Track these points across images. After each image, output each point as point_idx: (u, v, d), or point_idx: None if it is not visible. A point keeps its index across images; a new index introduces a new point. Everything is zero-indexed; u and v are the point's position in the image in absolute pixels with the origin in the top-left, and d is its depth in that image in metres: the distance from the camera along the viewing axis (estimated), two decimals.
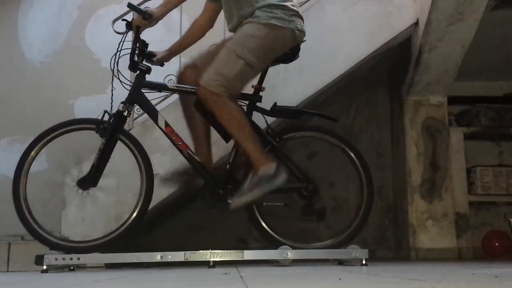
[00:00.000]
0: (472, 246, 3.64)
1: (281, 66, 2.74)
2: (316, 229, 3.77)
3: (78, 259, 2.44)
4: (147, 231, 3.82)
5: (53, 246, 2.50)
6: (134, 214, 2.54)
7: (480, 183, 3.79)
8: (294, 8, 2.49)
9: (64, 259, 2.43)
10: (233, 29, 2.56)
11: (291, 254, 2.48)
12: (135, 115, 3.10)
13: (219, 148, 2.78)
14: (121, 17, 2.96)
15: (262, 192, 2.37)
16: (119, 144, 2.59)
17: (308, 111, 2.72)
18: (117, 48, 2.55)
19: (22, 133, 3.85)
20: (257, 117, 2.61)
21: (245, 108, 2.58)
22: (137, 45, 2.55)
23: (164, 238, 3.89)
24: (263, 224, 2.61)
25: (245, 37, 2.42)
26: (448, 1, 3.03)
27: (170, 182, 2.75)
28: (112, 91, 2.55)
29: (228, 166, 2.56)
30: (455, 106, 3.96)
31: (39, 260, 2.42)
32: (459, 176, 3.70)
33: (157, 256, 2.44)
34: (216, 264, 2.43)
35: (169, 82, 2.78)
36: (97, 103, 3.71)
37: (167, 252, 2.44)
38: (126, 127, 2.69)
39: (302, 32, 2.51)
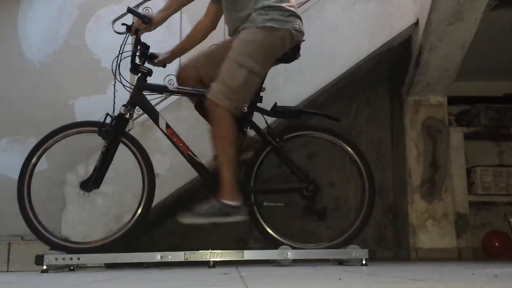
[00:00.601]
0: (472, 246, 3.64)
1: (281, 66, 2.74)
2: (317, 229, 3.77)
3: (78, 259, 2.44)
4: (147, 231, 3.82)
5: (56, 247, 2.51)
6: (136, 216, 2.54)
7: (480, 183, 3.79)
8: (291, 8, 2.48)
9: (64, 259, 2.43)
10: (232, 34, 2.56)
11: (291, 254, 2.47)
12: (135, 115, 3.10)
13: None
14: (121, 17, 2.96)
15: (215, 221, 2.38)
16: (119, 145, 2.60)
17: (308, 111, 2.72)
18: (119, 51, 2.55)
19: (22, 133, 3.85)
20: (257, 117, 2.61)
21: (245, 108, 2.58)
22: (138, 48, 2.55)
23: (164, 238, 3.89)
24: (264, 224, 2.61)
25: (244, 44, 2.42)
26: (448, 1, 3.03)
27: None
28: (114, 93, 2.55)
29: None
30: (455, 106, 3.96)
31: (39, 260, 2.42)
32: (459, 176, 3.70)
33: (157, 256, 2.44)
34: (216, 264, 2.43)
35: (169, 82, 2.79)
36: (97, 103, 3.72)
37: (167, 252, 2.44)
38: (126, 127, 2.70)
39: (300, 32, 2.51)
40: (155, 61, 2.66)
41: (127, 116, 2.58)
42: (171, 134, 2.56)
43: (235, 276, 1.84)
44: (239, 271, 2.07)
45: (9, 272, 2.86)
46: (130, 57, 2.55)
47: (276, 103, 2.62)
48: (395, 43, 3.45)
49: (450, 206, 3.60)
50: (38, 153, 2.58)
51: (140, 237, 3.74)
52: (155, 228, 3.88)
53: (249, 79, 2.40)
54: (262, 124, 2.64)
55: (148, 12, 2.69)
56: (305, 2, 3.25)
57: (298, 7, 2.59)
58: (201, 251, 2.45)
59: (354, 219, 2.67)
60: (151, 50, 2.62)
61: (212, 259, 2.42)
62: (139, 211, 2.54)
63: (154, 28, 2.55)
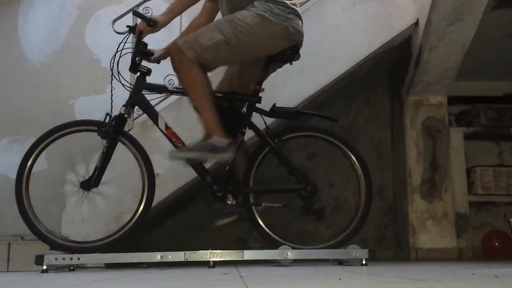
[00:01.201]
0: (472, 246, 3.64)
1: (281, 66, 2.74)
2: (316, 229, 3.77)
3: (78, 259, 2.44)
4: (147, 231, 3.82)
5: (56, 246, 2.50)
6: (137, 216, 2.54)
7: (480, 183, 3.79)
8: (293, 6, 2.48)
9: (64, 259, 2.43)
10: None
11: (291, 254, 2.47)
12: (135, 115, 3.10)
13: None
14: (121, 17, 2.96)
15: (203, 157, 2.42)
16: (118, 145, 2.59)
17: (307, 112, 2.71)
18: (117, 49, 2.55)
19: (22, 133, 3.85)
20: (256, 118, 2.61)
21: (244, 109, 2.58)
22: (139, 48, 2.56)
23: (164, 238, 3.89)
24: (262, 224, 2.61)
25: (236, 20, 2.42)
26: (448, 1, 3.03)
27: None
28: (111, 91, 2.55)
29: (227, 167, 2.56)
30: (455, 106, 3.96)
31: (39, 260, 2.42)
32: (459, 176, 3.70)
33: (157, 256, 2.44)
34: (216, 264, 2.43)
35: (169, 82, 2.79)
36: (97, 103, 3.72)
37: (167, 252, 2.44)
38: (126, 127, 2.70)
39: (299, 32, 2.49)
40: (151, 57, 2.66)
41: (126, 116, 2.58)
42: (170, 134, 2.56)
43: (235, 276, 1.84)
44: (239, 271, 2.07)
45: (9, 272, 2.86)
46: (128, 56, 2.55)
47: (275, 103, 2.62)
48: (395, 43, 3.45)
49: (450, 206, 3.60)
50: (36, 152, 2.57)
51: (140, 237, 3.74)
52: (155, 228, 3.88)
53: (221, 46, 2.41)
54: (261, 125, 2.63)
55: (148, 12, 2.68)
56: (305, 2, 3.24)
57: (299, 6, 2.59)
58: (201, 251, 2.45)
59: (352, 218, 2.68)
60: (148, 48, 2.63)
61: (212, 259, 2.42)
62: (139, 210, 2.54)
63: (158, 31, 2.56)
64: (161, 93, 2.71)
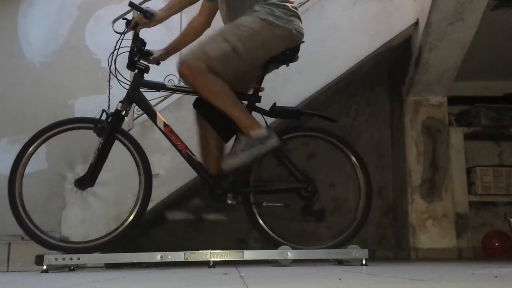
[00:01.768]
0: (472, 246, 3.64)
1: (281, 66, 2.74)
2: (316, 229, 3.77)
3: (78, 259, 2.44)
4: (147, 231, 3.82)
5: (51, 247, 2.50)
6: (133, 214, 2.53)
7: (480, 183, 3.79)
8: (294, 9, 2.49)
9: (64, 259, 2.43)
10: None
11: (291, 254, 2.47)
12: (135, 115, 3.10)
13: None
14: (121, 17, 2.96)
15: (256, 153, 2.40)
16: (118, 144, 2.59)
17: (307, 112, 2.71)
18: (115, 46, 2.54)
19: (22, 133, 3.83)
20: (256, 118, 2.60)
21: None
22: (136, 43, 2.54)
23: (164, 238, 3.89)
24: (263, 224, 2.61)
25: (239, 26, 2.41)
26: (448, 1, 3.03)
27: None
28: (109, 89, 2.54)
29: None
30: (455, 106, 3.96)
31: (39, 260, 2.41)
32: (459, 176, 3.70)
33: (157, 256, 2.44)
34: (216, 264, 2.43)
35: (169, 82, 2.78)
36: (97, 103, 3.67)
37: (167, 252, 2.44)
38: (126, 127, 2.69)
39: (300, 33, 2.50)
40: (150, 58, 2.65)
41: (123, 113, 2.54)
42: (169, 132, 2.55)
43: (235, 276, 1.84)
44: (239, 271, 2.07)
45: (9, 272, 2.86)
46: (126, 55, 2.54)
47: (275, 103, 2.62)
48: (395, 43, 3.45)
49: (450, 206, 3.61)
50: (30, 149, 2.53)
51: (140, 237, 3.73)
52: (155, 228, 3.88)
53: (229, 55, 2.38)
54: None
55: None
56: (305, 2, 3.25)
57: (298, 7, 2.59)
58: (201, 251, 2.45)
59: (352, 218, 2.68)
60: (148, 48, 2.61)
61: (212, 259, 2.42)
62: (137, 208, 2.53)
63: (154, 25, 2.55)
64: (159, 91, 2.66)
